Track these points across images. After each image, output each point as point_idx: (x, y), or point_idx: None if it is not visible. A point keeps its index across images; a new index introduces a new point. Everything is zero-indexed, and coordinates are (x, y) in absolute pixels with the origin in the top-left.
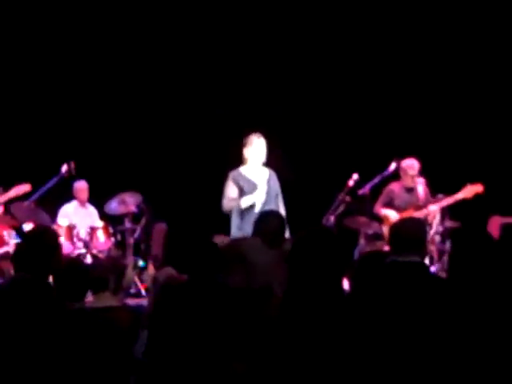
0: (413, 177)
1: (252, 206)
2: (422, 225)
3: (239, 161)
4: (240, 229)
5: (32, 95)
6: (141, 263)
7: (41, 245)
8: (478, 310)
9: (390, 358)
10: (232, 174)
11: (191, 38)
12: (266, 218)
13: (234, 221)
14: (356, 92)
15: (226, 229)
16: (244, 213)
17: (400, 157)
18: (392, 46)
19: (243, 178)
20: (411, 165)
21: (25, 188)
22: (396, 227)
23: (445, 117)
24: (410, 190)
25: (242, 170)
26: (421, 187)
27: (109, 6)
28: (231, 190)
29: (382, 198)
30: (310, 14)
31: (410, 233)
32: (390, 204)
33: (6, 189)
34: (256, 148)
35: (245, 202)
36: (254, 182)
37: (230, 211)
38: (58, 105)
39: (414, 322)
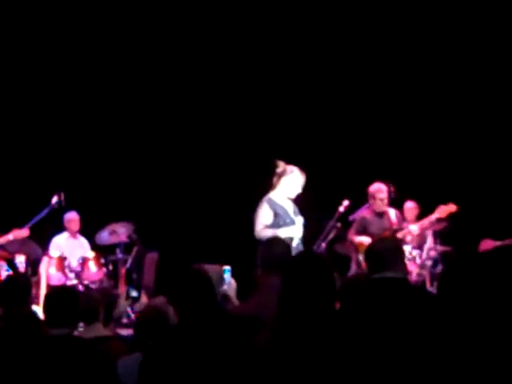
0: (382, 200)
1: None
2: (393, 242)
3: (227, 191)
4: None
5: (21, 125)
6: (134, 293)
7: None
8: (461, 323)
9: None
10: (267, 199)
11: (185, 52)
12: (271, 243)
13: None
14: (345, 119)
15: (217, 258)
16: None
17: (390, 181)
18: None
19: (278, 205)
20: (378, 188)
21: (23, 233)
22: (367, 249)
23: (435, 143)
24: (381, 215)
25: (273, 196)
26: (393, 211)
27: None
28: (267, 216)
29: (355, 226)
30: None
31: (382, 250)
32: (364, 232)
33: (4, 231)
34: (297, 181)
35: (283, 233)
36: (287, 211)
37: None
38: (47, 135)
39: (394, 337)
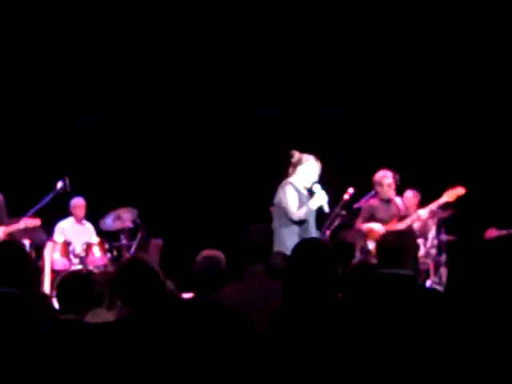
0: (389, 186)
1: (306, 222)
2: (407, 237)
3: (235, 176)
4: None
5: (27, 111)
6: None
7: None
8: (470, 322)
9: (378, 369)
10: (289, 182)
11: (188, 48)
12: (252, 232)
13: (294, 241)
14: (349, 107)
15: (221, 244)
16: (304, 233)
17: (395, 169)
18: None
19: (298, 190)
20: (384, 174)
21: (34, 222)
22: (381, 241)
23: (438, 133)
24: (388, 202)
25: (293, 181)
26: (398, 199)
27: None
28: (295, 196)
29: (362, 214)
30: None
31: (395, 246)
32: (371, 219)
33: (10, 216)
34: (313, 169)
35: (314, 204)
36: (304, 198)
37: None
38: (53, 121)
39: (400, 336)
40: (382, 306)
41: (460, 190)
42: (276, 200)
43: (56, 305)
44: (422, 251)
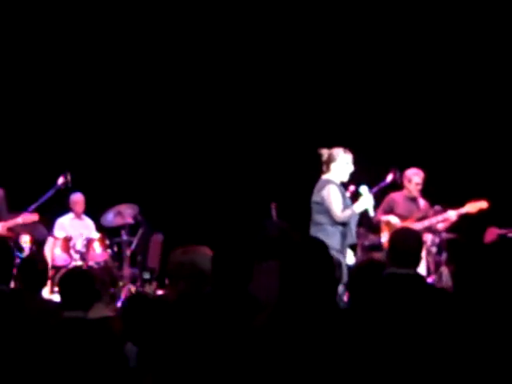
0: (417, 184)
1: (350, 226)
2: (420, 238)
3: (235, 171)
4: (343, 247)
5: (29, 106)
6: (146, 275)
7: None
8: (481, 322)
9: (387, 368)
10: (328, 181)
11: (186, 45)
12: (266, 228)
13: (337, 239)
14: (355, 103)
15: (221, 238)
16: (347, 232)
17: (397, 168)
18: (391, 57)
19: (340, 188)
20: (417, 172)
21: (32, 218)
22: (396, 239)
23: (442, 130)
24: (413, 200)
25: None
26: (422, 200)
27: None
28: (338, 196)
29: (382, 206)
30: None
31: (411, 245)
32: (390, 212)
33: (11, 211)
34: (346, 162)
35: (359, 207)
36: (344, 192)
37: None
38: (55, 116)
39: (414, 336)
40: (396, 306)
41: (483, 204)
42: (318, 198)
43: (58, 300)
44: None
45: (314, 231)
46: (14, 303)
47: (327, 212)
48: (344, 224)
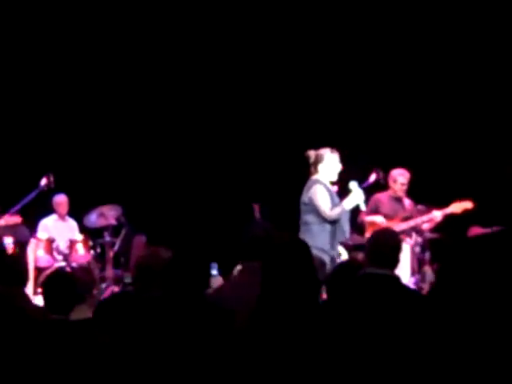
0: (403, 185)
1: (340, 224)
2: (399, 239)
3: (217, 173)
4: (332, 247)
5: (11, 108)
6: (127, 279)
7: None
8: (457, 322)
9: (360, 367)
10: (316, 181)
11: (179, 44)
12: (251, 228)
13: (325, 238)
14: (340, 103)
15: (203, 239)
16: (336, 230)
17: (380, 168)
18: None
19: (326, 186)
20: (402, 173)
21: (15, 220)
22: (375, 239)
23: (427, 130)
24: (398, 200)
25: (320, 178)
26: (407, 200)
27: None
28: (326, 195)
29: (368, 206)
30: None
31: (389, 246)
32: (375, 212)
33: None
34: (333, 162)
35: (348, 204)
36: (333, 191)
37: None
38: (37, 118)
39: (384, 335)
40: (365, 305)
41: (468, 204)
42: (305, 198)
43: (41, 302)
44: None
45: (302, 231)
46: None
47: (314, 212)
48: (333, 222)
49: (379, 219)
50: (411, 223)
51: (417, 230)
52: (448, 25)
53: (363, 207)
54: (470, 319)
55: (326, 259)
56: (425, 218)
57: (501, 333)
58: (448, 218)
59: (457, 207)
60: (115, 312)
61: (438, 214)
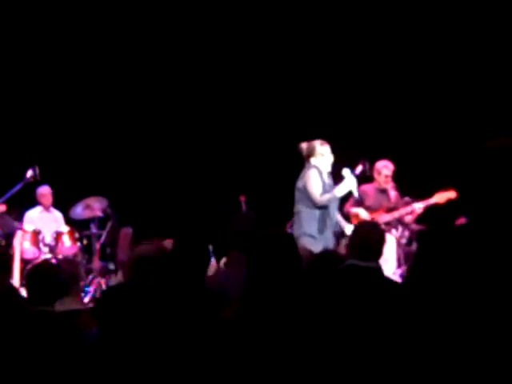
0: (387, 177)
1: (329, 211)
2: (383, 232)
3: (203, 165)
4: (322, 232)
5: None
6: (111, 266)
7: None
8: (436, 316)
9: (343, 360)
10: (313, 166)
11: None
12: (237, 220)
13: (313, 225)
14: (324, 96)
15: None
16: (324, 217)
17: (367, 159)
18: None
19: (321, 173)
20: (386, 165)
21: (0, 209)
22: (358, 232)
23: (411, 122)
24: (383, 192)
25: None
26: (393, 192)
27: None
28: (318, 181)
29: (352, 198)
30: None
31: (373, 238)
32: (360, 204)
33: None
34: (325, 154)
35: (340, 191)
36: (327, 181)
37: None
38: (22, 110)
39: (370, 327)
40: (348, 296)
41: (451, 194)
42: (300, 184)
43: (25, 294)
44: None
45: (295, 220)
46: None
47: (305, 199)
48: (322, 208)
49: (363, 213)
50: (395, 214)
51: (401, 222)
52: (424, 22)
53: (356, 193)
54: (446, 309)
55: (317, 245)
56: (408, 209)
57: (478, 321)
58: (434, 209)
59: (440, 197)
60: (117, 302)
61: (418, 206)
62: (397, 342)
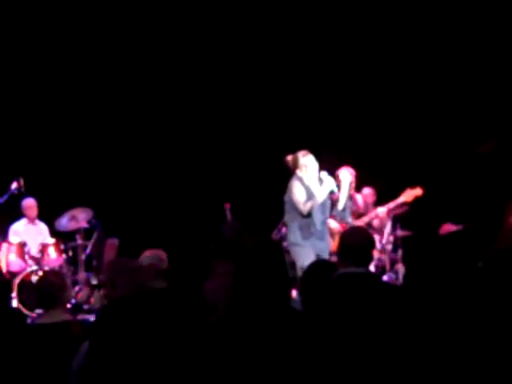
0: (350, 184)
1: (312, 218)
2: (371, 236)
3: (188, 174)
4: (307, 239)
5: None
6: (94, 281)
7: None
8: (432, 318)
9: (344, 368)
10: (297, 177)
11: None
12: (224, 230)
13: (297, 234)
14: (302, 104)
15: (176, 242)
16: (308, 224)
17: (351, 167)
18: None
19: (305, 184)
20: (345, 171)
21: None
22: (346, 238)
23: (394, 128)
24: (349, 198)
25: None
26: (359, 196)
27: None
28: (301, 191)
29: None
30: None
31: (361, 244)
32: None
33: None
34: (309, 165)
35: (321, 194)
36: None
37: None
38: (6, 122)
39: (371, 333)
40: (352, 306)
41: (418, 191)
42: (286, 197)
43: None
44: (378, 247)
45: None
46: None
47: (291, 210)
48: (304, 217)
49: (333, 224)
50: (365, 219)
51: (372, 227)
52: (409, 25)
53: (336, 190)
54: (442, 313)
55: (305, 252)
56: (371, 214)
57: (474, 326)
58: (420, 214)
59: (407, 196)
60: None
61: (381, 211)
62: (401, 346)
